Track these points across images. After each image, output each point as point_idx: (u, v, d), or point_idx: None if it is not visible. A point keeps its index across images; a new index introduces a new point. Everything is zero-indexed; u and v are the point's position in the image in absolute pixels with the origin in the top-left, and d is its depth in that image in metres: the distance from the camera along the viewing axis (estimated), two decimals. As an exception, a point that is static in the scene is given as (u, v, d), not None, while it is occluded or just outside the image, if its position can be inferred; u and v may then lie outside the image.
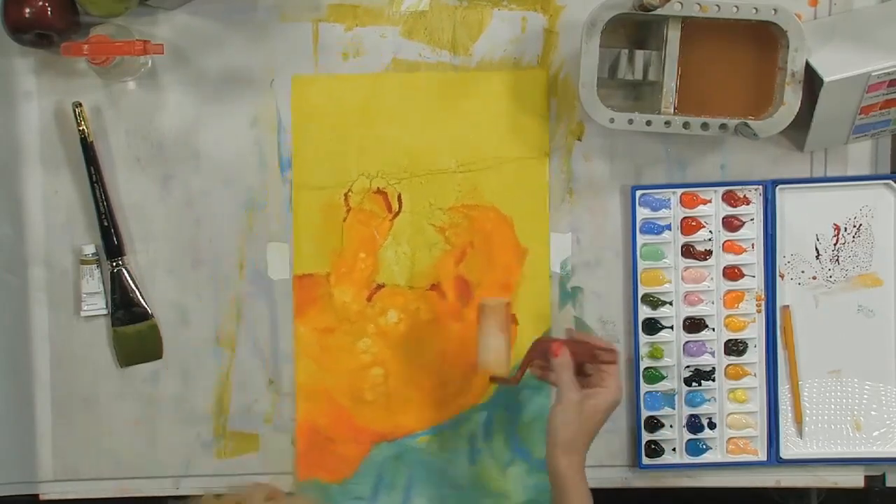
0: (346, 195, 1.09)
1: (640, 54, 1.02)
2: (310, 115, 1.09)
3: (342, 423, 1.10)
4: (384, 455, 1.11)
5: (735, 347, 1.09)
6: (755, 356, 1.09)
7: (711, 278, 1.09)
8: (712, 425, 1.10)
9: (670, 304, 1.09)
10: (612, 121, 1.01)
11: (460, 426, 1.10)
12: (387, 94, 1.08)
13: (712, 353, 1.09)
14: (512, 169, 1.09)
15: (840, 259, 1.09)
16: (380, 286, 1.10)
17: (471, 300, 1.09)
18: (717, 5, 0.98)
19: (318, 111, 1.09)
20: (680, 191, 1.08)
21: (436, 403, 1.10)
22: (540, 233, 1.09)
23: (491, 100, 1.09)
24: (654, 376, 1.09)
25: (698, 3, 0.98)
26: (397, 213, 1.09)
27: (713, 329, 1.09)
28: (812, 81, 0.99)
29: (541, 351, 0.98)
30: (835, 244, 1.09)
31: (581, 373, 0.98)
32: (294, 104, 1.08)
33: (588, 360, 0.98)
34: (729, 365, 1.09)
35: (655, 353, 1.09)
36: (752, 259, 1.08)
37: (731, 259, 1.09)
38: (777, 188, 1.07)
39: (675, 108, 1.01)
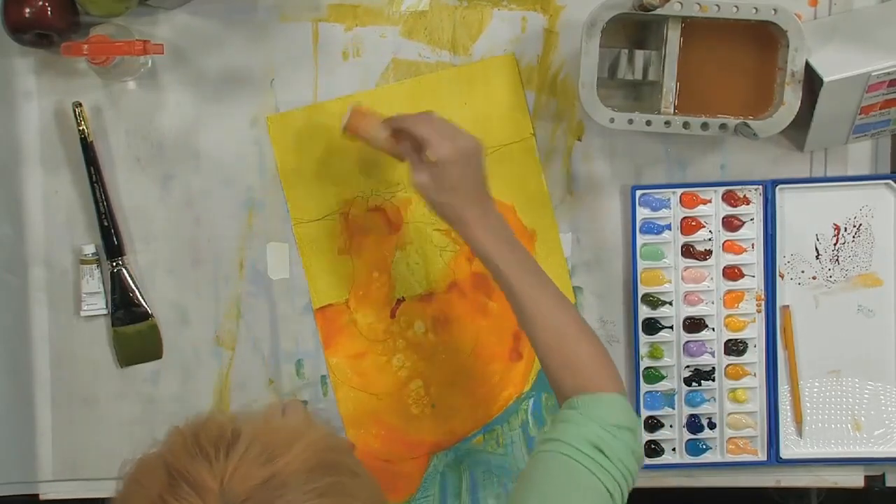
0: (346, 220, 1.09)
1: (640, 54, 1.02)
2: (292, 151, 1.08)
3: (395, 443, 1.10)
4: (444, 464, 1.11)
5: (735, 347, 1.09)
6: (755, 356, 1.09)
7: (711, 278, 1.09)
8: (712, 425, 1.10)
9: (670, 304, 1.09)
10: (612, 121, 1.01)
11: (511, 418, 1.10)
12: None
13: (712, 353, 1.09)
14: (501, 157, 1.08)
15: (840, 259, 1.09)
16: (400, 300, 1.10)
17: (492, 293, 1.09)
18: (717, 5, 0.98)
19: (299, 145, 1.08)
20: (680, 191, 1.08)
21: (482, 401, 1.10)
22: (543, 213, 1.09)
23: (465, 95, 1.08)
24: (654, 376, 1.09)
25: (698, 3, 0.98)
26: (400, 226, 1.09)
27: (713, 329, 1.09)
28: (812, 81, 0.99)
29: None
30: (835, 244, 1.09)
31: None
32: (275, 144, 1.08)
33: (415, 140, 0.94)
34: (729, 365, 1.09)
35: (655, 353, 1.09)
36: (752, 259, 1.08)
37: (731, 259, 1.09)
38: (777, 188, 1.07)
39: (675, 108, 1.01)
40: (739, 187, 1.08)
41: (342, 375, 1.10)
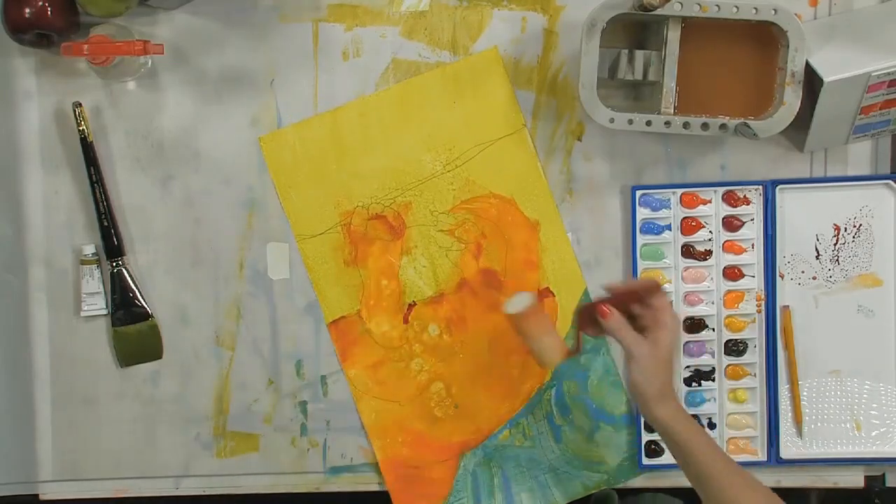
0: (348, 231, 1.09)
1: (640, 54, 1.02)
2: (288, 168, 1.09)
3: (423, 447, 1.11)
4: (473, 463, 1.11)
5: (735, 347, 1.09)
6: (755, 356, 1.09)
7: (711, 278, 1.09)
8: (712, 425, 1.10)
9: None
10: (612, 121, 1.01)
11: (535, 410, 1.11)
12: (351, 123, 1.08)
13: (712, 354, 1.09)
14: (495, 151, 1.09)
15: (840, 259, 1.09)
16: (411, 305, 1.10)
17: (501, 287, 1.09)
18: (717, 5, 0.98)
19: (294, 162, 1.09)
20: (680, 191, 1.08)
21: (504, 396, 1.11)
22: (544, 202, 1.09)
23: (453, 94, 1.08)
24: (654, 376, 1.09)
25: (698, 3, 0.98)
26: (403, 232, 1.09)
27: (713, 329, 1.09)
28: (812, 81, 0.99)
29: (589, 317, 0.95)
30: (835, 244, 1.09)
31: (631, 317, 0.95)
32: (270, 164, 1.09)
33: (634, 303, 0.95)
34: (729, 365, 1.09)
35: (655, 353, 1.09)
36: (752, 259, 1.08)
37: (731, 259, 1.09)
38: (777, 188, 1.07)
39: (675, 108, 1.01)
40: (739, 187, 1.08)
41: (362, 386, 1.10)
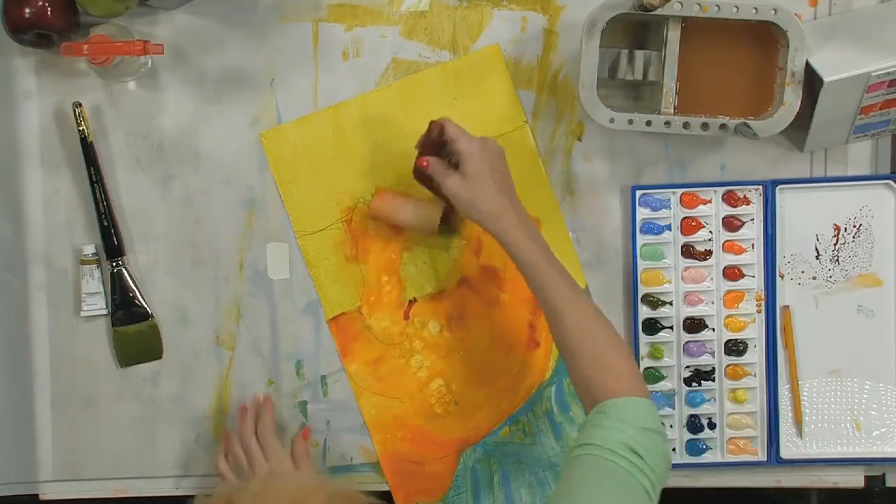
0: (349, 227, 1.09)
1: (640, 54, 1.02)
2: (288, 164, 1.09)
3: (423, 444, 1.11)
4: (473, 460, 1.11)
5: (735, 347, 1.09)
6: (755, 356, 1.09)
7: (711, 278, 1.09)
8: (712, 425, 1.10)
9: (670, 304, 1.09)
10: (612, 121, 1.01)
11: (535, 407, 1.11)
12: (352, 119, 1.08)
13: (712, 354, 1.09)
14: None
15: (840, 259, 1.09)
16: (412, 301, 1.10)
17: (503, 284, 1.09)
18: (717, 5, 0.98)
19: (295, 158, 1.09)
20: (680, 191, 1.08)
21: (504, 393, 1.11)
22: (546, 200, 1.09)
23: (455, 91, 1.08)
24: (654, 376, 1.09)
25: (698, 3, 0.98)
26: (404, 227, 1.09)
27: (713, 329, 1.09)
28: (812, 81, 0.99)
29: (421, 176, 1.02)
30: (835, 244, 1.09)
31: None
32: (271, 160, 1.09)
33: (444, 148, 0.99)
34: (729, 365, 1.09)
35: (655, 353, 1.09)
36: (752, 259, 1.08)
37: (731, 259, 1.09)
38: (777, 188, 1.07)
39: (675, 108, 1.01)
40: (739, 187, 1.08)
41: (362, 382, 1.10)
